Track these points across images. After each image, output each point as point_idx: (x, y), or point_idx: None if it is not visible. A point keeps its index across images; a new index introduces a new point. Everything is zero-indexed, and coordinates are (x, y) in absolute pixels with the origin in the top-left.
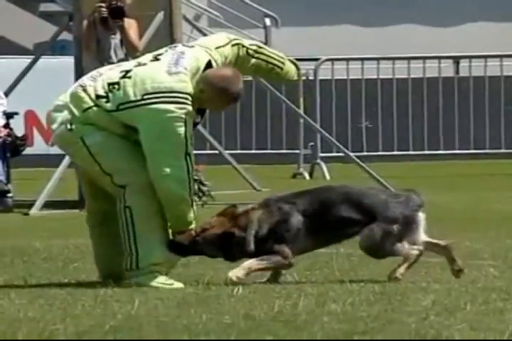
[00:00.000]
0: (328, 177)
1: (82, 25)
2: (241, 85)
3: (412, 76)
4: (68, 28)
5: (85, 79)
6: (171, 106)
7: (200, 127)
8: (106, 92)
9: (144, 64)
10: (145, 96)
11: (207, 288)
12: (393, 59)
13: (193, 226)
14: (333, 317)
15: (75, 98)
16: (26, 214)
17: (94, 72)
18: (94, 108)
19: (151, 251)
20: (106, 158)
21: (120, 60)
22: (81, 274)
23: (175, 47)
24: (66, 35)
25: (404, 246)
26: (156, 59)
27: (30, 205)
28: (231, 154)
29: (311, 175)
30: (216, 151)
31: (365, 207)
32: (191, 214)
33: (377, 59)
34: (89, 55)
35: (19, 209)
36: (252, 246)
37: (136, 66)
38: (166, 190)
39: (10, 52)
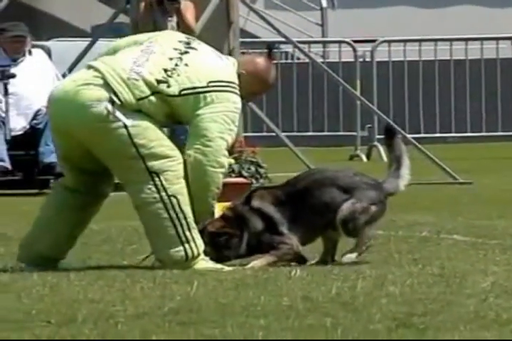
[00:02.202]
0: (385, 159)
1: (139, 8)
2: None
3: (469, 57)
4: (125, 10)
5: (132, 66)
6: (236, 97)
7: (257, 109)
8: (165, 77)
9: (186, 52)
10: (210, 84)
11: (265, 269)
12: (451, 40)
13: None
14: (391, 299)
15: (130, 84)
16: None
17: (127, 57)
18: (151, 97)
19: (200, 237)
20: (145, 140)
21: None
22: (139, 256)
23: (189, 43)
24: (123, 18)
25: (369, 233)
26: (191, 47)
27: None
28: (288, 136)
29: (368, 157)
30: (273, 133)
31: (345, 190)
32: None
33: (435, 40)
34: None
35: None
36: (244, 249)
37: (181, 53)
38: (213, 177)
39: (68, 35)
